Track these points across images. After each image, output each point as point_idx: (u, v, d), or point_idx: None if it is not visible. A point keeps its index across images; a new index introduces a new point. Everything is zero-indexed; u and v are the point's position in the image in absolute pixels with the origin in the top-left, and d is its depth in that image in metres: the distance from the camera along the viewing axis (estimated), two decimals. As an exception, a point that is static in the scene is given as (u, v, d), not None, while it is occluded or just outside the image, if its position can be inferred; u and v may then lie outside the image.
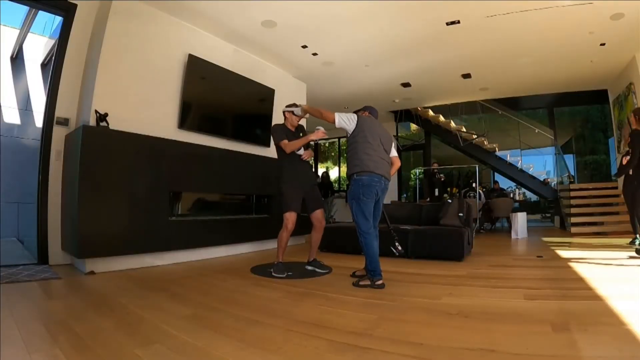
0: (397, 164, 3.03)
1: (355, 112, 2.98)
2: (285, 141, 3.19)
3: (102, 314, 2.04)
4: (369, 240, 2.70)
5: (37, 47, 5.63)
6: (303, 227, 3.61)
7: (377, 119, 3.03)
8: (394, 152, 3.01)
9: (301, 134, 3.40)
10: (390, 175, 2.90)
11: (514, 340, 1.59)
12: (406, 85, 7.06)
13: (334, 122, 2.76)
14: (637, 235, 4.38)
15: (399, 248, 3.49)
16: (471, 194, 7.54)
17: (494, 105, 9.23)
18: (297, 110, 3.30)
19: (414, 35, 4.96)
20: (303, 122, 3.52)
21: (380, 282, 2.64)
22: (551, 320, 1.82)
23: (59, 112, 3.71)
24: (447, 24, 4.58)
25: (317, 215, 3.33)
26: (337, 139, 12.58)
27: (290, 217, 3.18)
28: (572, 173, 9.39)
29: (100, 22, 3.72)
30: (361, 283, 2.71)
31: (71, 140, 3.53)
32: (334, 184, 11.71)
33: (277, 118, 5.40)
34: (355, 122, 2.76)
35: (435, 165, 8.55)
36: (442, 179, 8.41)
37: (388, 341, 1.62)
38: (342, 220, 9.16)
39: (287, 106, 3.41)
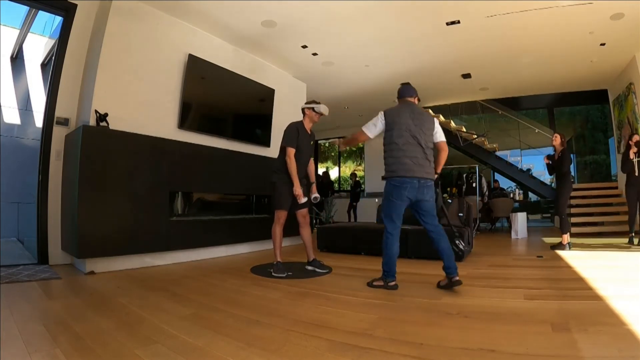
0: (443, 151, 2.71)
1: (399, 96, 2.77)
2: (292, 151, 3.17)
3: (102, 314, 2.04)
4: (391, 241, 2.61)
5: (37, 47, 5.63)
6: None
7: (414, 95, 2.74)
8: (438, 137, 2.70)
9: (312, 142, 3.42)
10: (439, 165, 2.71)
11: (514, 340, 1.59)
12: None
13: (370, 137, 2.65)
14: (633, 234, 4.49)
15: (460, 247, 3.40)
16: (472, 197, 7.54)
17: (494, 105, 9.22)
18: (317, 107, 3.30)
19: (414, 35, 4.96)
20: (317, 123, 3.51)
21: (393, 283, 2.61)
22: (551, 320, 1.82)
23: (59, 112, 3.71)
24: (447, 24, 4.59)
25: (302, 212, 3.34)
26: (337, 139, 12.57)
27: (282, 214, 3.26)
28: (572, 173, 9.38)
29: (100, 22, 3.72)
30: (375, 283, 2.68)
31: (71, 140, 3.53)
32: (334, 183, 11.70)
33: (277, 118, 5.42)
34: (383, 122, 2.62)
35: None
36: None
37: (388, 341, 1.62)
38: (341, 220, 9.16)
39: (306, 103, 3.40)
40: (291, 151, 3.17)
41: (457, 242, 3.38)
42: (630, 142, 4.80)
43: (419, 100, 2.82)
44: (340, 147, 3.03)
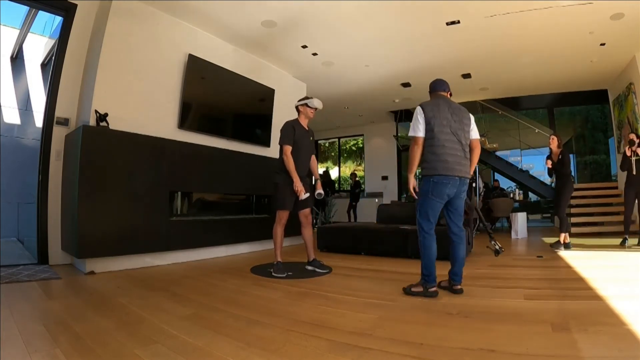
0: (477, 149, 2.55)
1: (431, 90, 2.64)
2: (289, 149, 3.17)
3: (102, 314, 2.04)
4: (429, 241, 2.44)
5: (37, 47, 5.63)
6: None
7: (447, 90, 2.62)
8: (473, 134, 2.54)
9: (311, 138, 3.42)
10: (472, 164, 2.55)
11: (514, 340, 1.59)
12: (406, 85, 7.06)
13: (423, 136, 2.44)
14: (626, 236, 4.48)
15: (496, 247, 3.39)
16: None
17: (494, 105, 9.22)
18: (311, 102, 3.29)
19: (414, 35, 4.96)
20: (317, 120, 3.48)
21: (433, 289, 2.39)
22: (551, 320, 1.82)
23: (59, 112, 3.71)
24: (447, 24, 4.59)
25: (304, 212, 3.34)
26: (337, 139, 12.58)
27: (283, 215, 3.25)
28: (572, 173, 9.38)
29: (100, 22, 3.73)
30: (413, 290, 2.45)
31: (71, 140, 3.53)
32: (335, 183, 11.69)
33: (277, 118, 5.41)
34: (423, 117, 2.42)
35: None
36: None
37: (388, 341, 1.62)
38: (341, 220, 9.16)
39: (299, 100, 3.39)
40: (287, 149, 3.17)
41: (492, 242, 3.33)
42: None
43: (451, 95, 2.68)
44: (412, 181, 2.59)
